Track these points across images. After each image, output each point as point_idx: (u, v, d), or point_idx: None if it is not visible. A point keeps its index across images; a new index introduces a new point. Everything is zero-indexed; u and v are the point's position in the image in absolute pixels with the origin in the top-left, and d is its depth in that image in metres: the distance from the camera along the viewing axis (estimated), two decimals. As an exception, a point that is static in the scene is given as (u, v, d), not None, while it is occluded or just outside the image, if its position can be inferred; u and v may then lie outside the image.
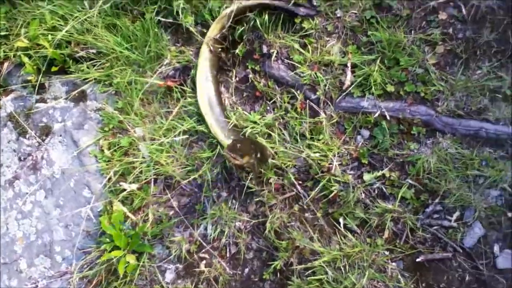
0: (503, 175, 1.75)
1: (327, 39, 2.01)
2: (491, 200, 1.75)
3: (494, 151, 1.80)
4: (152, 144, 1.92)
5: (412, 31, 1.96)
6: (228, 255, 1.88)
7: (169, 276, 1.89)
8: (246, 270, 1.86)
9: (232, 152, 1.61)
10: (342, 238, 1.76)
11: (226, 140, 1.79)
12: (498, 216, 1.74)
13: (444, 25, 1.95)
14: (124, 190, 1.88)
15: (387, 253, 1.76)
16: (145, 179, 1.92)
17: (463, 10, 1.95)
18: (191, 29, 2.01)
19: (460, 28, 1.94)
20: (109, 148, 1.94)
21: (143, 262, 1.85)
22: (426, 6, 1.98)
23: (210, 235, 1.88)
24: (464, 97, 1.87)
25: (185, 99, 1.97)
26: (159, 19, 2.04)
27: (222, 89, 2.02)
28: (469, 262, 1.72)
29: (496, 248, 1.72)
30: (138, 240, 1.81)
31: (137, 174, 1.90)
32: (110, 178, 1.92)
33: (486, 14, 1.92)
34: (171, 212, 1.93)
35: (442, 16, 1.97)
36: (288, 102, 1.93)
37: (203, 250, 1.88)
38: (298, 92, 1.93)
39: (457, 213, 1.77)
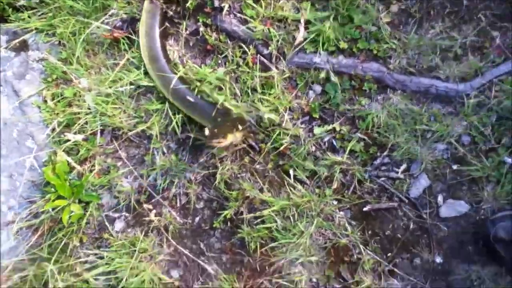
0: (450, 129, 1.76)
1: (282, -5, 1.97)
2: (438, 153, 1.76)
3: (442, 107, 1.80)
4: (98, 95, 1.86)
5: (368, -11, 1.92)
6: (178, 205, 1.84)
7: (119, 225, 1.85)
8: (197, 219, 1.83)
9: (213, 138, 1.59)
10: (292, 189, 1.73)
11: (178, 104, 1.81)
12: (443, 168, 1.75)
13: (400, -16, 1.93)
14: (69, 140, 1.82)
15: (335, 202, 1.75)
16: (91, 130, 1.86)
17: (419, -30, 1.92)
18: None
19: (415, -12, 1.91)
20: (52, 99, 1.88)
21: (91, 211, 1.80)
22: (382, -35, 1.95)
23: (160, 185, 1.83)
24: (416, 55, 1.87)
25: (132, 51, 1.91)
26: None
27: (172, 42, 1.97)
28: (413, 212, 1.73)
29: (440, 198, 1.73)
30: (83, 189, 1.76)
31: (82, 125, 1.84)
32: (54, 129, 1.86)
33: (441, -25, 1.90)
34: (119, 163, 1.88)
35: (398, -25, 1.94)
36: (240, 57, 1.89)
37: (153, 200, 1.84)
38: (250, 46, 1.89)
39: (404, 166, 1.77)
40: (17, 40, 1.96)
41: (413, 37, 1.86)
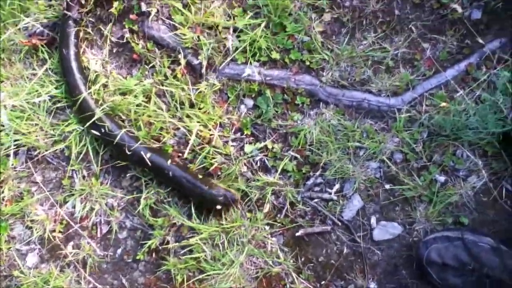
0: (382, 147, 1.63)
1: (212, 0, 1.73)
2: (370, 172, 1.63)
3: (375, 122, 1.67)
4: (13, 110, 1.56)
5: (300, -3, 1.73)
6: (98, 235, 1.60)
7: (31, 259, 1.58)
8: (119, 250, 1.60)
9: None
10: (222, 213, 1.52)
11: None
12: (376, 188, 1.63)
13: (332, -7, 1.75)
14: (-25, 162, 1.52)
15: (267, 228, 1.58)
16: (5, 149, 1.56)
17: (351, -22, 1.75)
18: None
19: (347, -3, 1.75)
20: (-40, 115, 1.56)
21: None
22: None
23: (79, 213, 1.58)
24: (348, 68, 1.72)
25: (52, 60, 1.62)
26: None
27: (95, 51, 1.68)
28: (347, 235, 1.59)
29: (373, 220, 1.61)
30: (-12, 219, 1.48)
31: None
32: (-41, 149, 1.54)
33: (372, -16, 1.74)
34: (34, 188, 1.61)
35: (330, -17, 1.77)
36: (169, 67, 1.67)
37: (70, 231, 1.58)
38: (180, 56, 1.65)
39: (337, 186, 1.63)
40: None
41: (345, 48, 1.71)
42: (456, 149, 1.67)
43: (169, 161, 1.57)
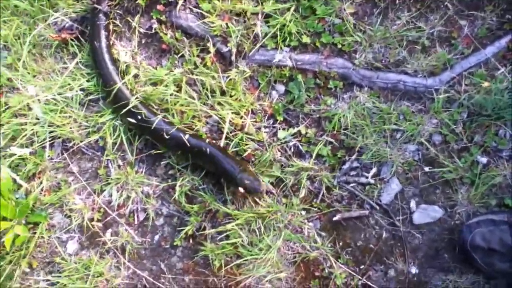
0: (420, 129, 1.57)
1: (240, -13, 1.71)
2: (408, 155, 1.57)
3: (412, 104, 1.61)
4: (46, 103, 1.57)
5: (330, -22, 1.69)
6: (136, 222, 1.61)
7: (72, 247, 1.60)
8: (156, 237, 1.60)
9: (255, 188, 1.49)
10: (257, 199, 1.50)
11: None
12: (414, 171, 1.56)
13: (363, -28, 1.70)
14: (14, 155, 1.54)
15: (303, 213, 1.55)
16: (40, 142, 1.58)
17: (383, -43, 1.69)
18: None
19: (380, -25, 1.69)
20: (-4, 109, 1.59)
21: (40, 233, 1.54)
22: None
23: (115, 201, 1.58)
24: (382, 49, 1.67)
25: (82, 53, 1.63)
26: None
27: (124, 43, 1.68)
28: (386, 219, 1.54)
29: (412, 203, 1.54)
30: (28, 209, 1.49)
31: (29, 137, 1.56)
32: (-2, 143, 1.57)
33: (405, -39, 1.67)
34: (71, 178, 1.62)
35: (361, -38, 1.71)
36: (198, 56, 1.64)
37: (108, 218, 1.59)
38: (208, 44, 1.63)
39: (374, 169, 1.58)
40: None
41: (378, 29, 1.65)
42: (499, 129, 1.59)
43: (207, 140, 1.55)
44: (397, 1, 1.72)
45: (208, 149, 1.51)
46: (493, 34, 1.64)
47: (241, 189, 1.48)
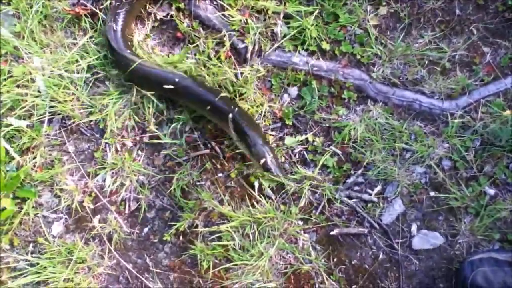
0: (430, 151, 1.52)
1: (265, -16, 1.66)
2: (415, 176, 1.52)
3: (425, 125, 1.56)
4: (51, 77, 1.51)
5: (357, -14, 1.64)
6: (126, 211, 1.54)
7: (57, 228, 1.53)
8: (146, 229, 1.53)
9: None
10: (255, 203, 1.44)
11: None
12: (420, 194, 1.52)
13: (391, -15, 1.65)
14: (10, 125, 1.47)
15: (300, 223, 1.49)
16: (39, 116, 1.51)
17: (412, -28, 1.64)
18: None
19: (407, -10, 1.64)
20: (-3, 76, 1.52)
21: (26, 210, 1.47)
22: (373, -37, 1.67)
23: (108, 187, 1.51)
24: (401, 65, 1.62)
25: (94, 30, 1.56)
26: None
27: (140, 25, 1.62)
28: (384, 240, 1.48)
29: (413, 227, 1.49)
30: (18, 182, 1.43)
31: (28, 109, 1.49)
32: (-5, 112, 1.50)
33: (434, -21, 1.63)
34: (66, 157, 1.56)
35: (390, -25, 1.66)
36: (213, 48, 1.57)
37: (98, 204, 1.52)
38: (225, 38, 1.57)
39: (378, 187, 1.53)
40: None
41: (400, 44, 1.60)
42: (510, 162, 1.54)
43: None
44: (422, 19, 1.67)
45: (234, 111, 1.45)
46: (516, 64, 1.59)
47: (261, 162, 1.43)
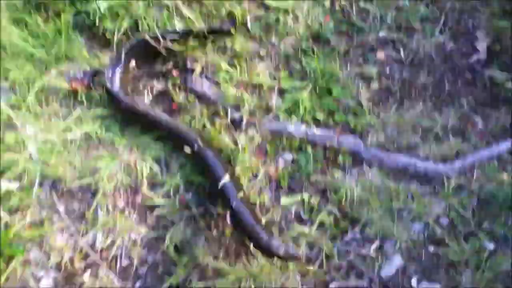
0: (428, 210, 2.15)
1: (259, 62, 2.52)
2: (414, 233, 2.15)
3: (421, 186, 2.24)
4: (44, 144, 2.23)
5: (349, 66, 2.48)
6: (118, 267, 2.14)
7: (46, 283, 2.10)
8: (137, 284, 2.12)
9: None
10: (251, 259, 2.06)
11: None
12: (419, 248, 2.13)
13: (382, 64, 2.50)
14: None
15: (298, 278, 2.08)
16: (29, 179, 2.19)
17: (402, 52, 2.52)
18: (108, 36, 2.48)
19: (397, 69, 2.49)
20: (-11, 143, 2.16)
21: (14, 266, 2.08)
22: (364, 44, 2.53)
23: (99, 245, 2.14)
24: (395, 133, 2.34)
25: (90, 103, 2.37)
26: (76, 22, 2.50)
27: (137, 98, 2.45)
28: (385, 294, 2.06)
29: (414, 280, 2.07)
30: (6, 241, 2.02)
31: (19, 173, 2.17)
32: (-14, 175, 2.12)
33: (424, 59, 2.49)
34: (56, 217, 2.19)
35: (380, 55, 2.53)
36: (208, 118, 2.34)
37: (89, 259, 2.14)
38: (221, 109, 2.36)
39: (376, 243, 2.14)
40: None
41: (393, 115, 2.36)
42: (508, 218, 2.21)
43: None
44: (413, 93, 2.47)
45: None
46: (507, 131, 2.32)
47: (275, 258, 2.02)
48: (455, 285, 2.05)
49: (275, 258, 2.02)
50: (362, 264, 2.09)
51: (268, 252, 2.01)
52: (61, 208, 2.18)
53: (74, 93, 2.42)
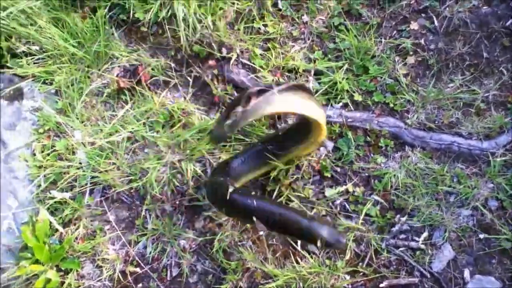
0: (475, 192, 1.77)
1: (292, 44, 2.05)
2: (462, 220, 1.77)
3: (466, 167, 1.83)
4: (92, 149, 1.88)
5: (382, 40, 2.01)
6: (168, 277, 1.82)
7: (100, 299, 1.81)
8: (189, 294, 1.80)
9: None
10: (299, 260, 1.72)
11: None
12: (469, 237, 1.75)
13: (416, 36, 2.02)
14: (53, 198, 1.82)
15: (347, 277, 1.73)
16: (81, 187, 1.86)
17: (435, 21, 2.03)
18: (143, 28, 2.06)
19: (432, 39, 2.00)
20: (42, 151, 1.89)
21: (69, 282, 1.78)
22: (397, 15, 2.05)
23: (150, 253, 1.82)
24: (435, 110, 1.91)
25: (133, 102, 1.96)
26: (111, 16, 2.08)
27: (177, 94, 2.02)
28: (437, 289, 1.71)
29: (466, 273, 1.71)
30: (63, 254, 1.74)
31: (70, 181, 1.85)
32: (39, 185, 1.85)
33: (458, 27, 2.00)
34: (107, 227, 1.87)
35: (414, 26, 2.04)
36: (247, 108, 1.92)
37: (140, 272, 1.82)
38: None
39: (425, 234, 1.77)
40: (11, 88, 1.99)
41: (431, 90, 1.91)
42: (562, 196, 1.79)
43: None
44: (450, 65, 2.00)
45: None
46: (552, 99, 1.88)
47: (318, 244, 1.62)
48: (510, 276, 1.64)
49: (319, 250, 1.71)
50: (412, 258, 1.70)
51: (310, 237, 1.63)
52: (112, 217, 1.85)
53: (117, 92, 2.06)
